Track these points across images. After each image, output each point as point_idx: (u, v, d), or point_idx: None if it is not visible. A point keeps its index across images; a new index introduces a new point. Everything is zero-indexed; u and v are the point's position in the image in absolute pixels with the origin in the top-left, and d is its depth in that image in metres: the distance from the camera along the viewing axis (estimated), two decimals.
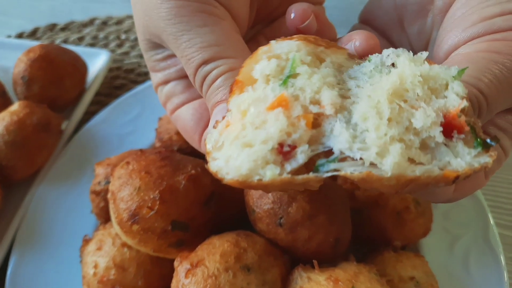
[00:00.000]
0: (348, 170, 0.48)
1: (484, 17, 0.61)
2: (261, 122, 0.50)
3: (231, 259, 0.80)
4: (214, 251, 0.81)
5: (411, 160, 0.48)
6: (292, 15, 0.68)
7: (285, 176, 0.48)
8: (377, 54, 0.56)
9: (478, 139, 0.47)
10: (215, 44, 0.63)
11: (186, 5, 0.64)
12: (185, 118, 0.76)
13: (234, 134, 0.51)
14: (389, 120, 0.48)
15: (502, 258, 1.01)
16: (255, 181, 0.48)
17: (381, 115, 0.48)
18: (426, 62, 0.52)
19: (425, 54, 0.52)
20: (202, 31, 0.64)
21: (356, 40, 0.63)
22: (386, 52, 0.54)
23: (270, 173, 0.48)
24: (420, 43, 0.79)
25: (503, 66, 0.55)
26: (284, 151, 0.49)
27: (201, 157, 1.01)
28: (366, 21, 0.86)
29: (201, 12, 0.64)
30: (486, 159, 0.46)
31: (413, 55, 0.53)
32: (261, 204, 0.86)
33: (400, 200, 0.95)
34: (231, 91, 0.55)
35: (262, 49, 0.55)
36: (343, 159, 0.49)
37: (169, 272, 0.86)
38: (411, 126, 0.48)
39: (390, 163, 0.46)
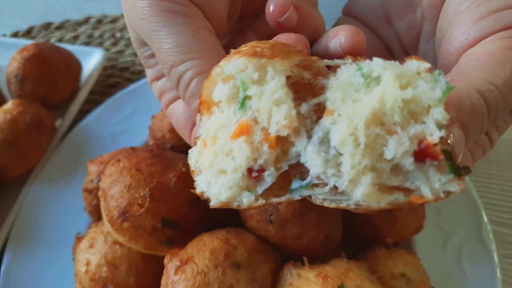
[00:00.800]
0: (319, 198, 0.53)
1: (492, 10, 0.60)
2: (229, 150, 0.53)
3: (221, 256, 0.80)
4: (204, 248, 0.81)
5: (382, 186, 0.49)
6: (271, 8, 0.67)
7: (260, 201, 0.53)
8: (368, 61, 0.53)
9: (451, 167, 0.46)
10: (182, 44, 0.63)
11: (156, 4, 0.64)
12: (177, 113, 0.76)
13: (209, 161, 0.54)
14: (365, 146, 0.48)
15: (495, 255, 1.01)
16: (235, 206, 0.54)
17: (358, 142, 0.49)
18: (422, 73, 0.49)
19: (414, 65, 0.49)
20: (170, 31, 0.64)
21: (341, 36, 0.62)
22: (375, 62, 0.51)
23: (247, 201, 0.53)
24: (410, 37, 0.78)
25: None
26: (253, 176, 0.53)
27: None
28: (350, 15, 0.85)
29: (170, 11, 0.64)
30: (455, 187, 0.46)
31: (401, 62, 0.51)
32: None
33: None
34: (200, 111, 0.57)
35: (216, 72, 0.55)
36: (315, 184, 0.53)
37: (161, 270, 0.86)
38: (384, 154, 0.49)
39: (360, 193, 0.48)
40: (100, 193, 0.92)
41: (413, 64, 0.49)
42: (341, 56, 0.59)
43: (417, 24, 0.76)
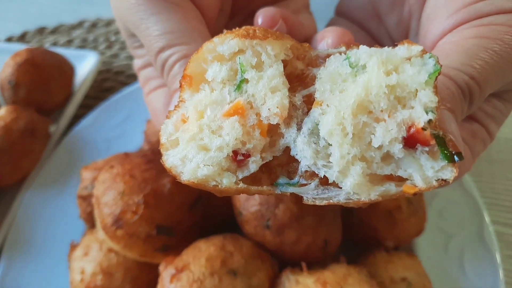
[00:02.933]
0: (309, 196, 0.51)
1: (467, 3, 0.60)
2: (218, 127, 0.51)
3: (217, 263, 0.78)
4: (200, 255, 0.79)
5: (373, 177, 0.48)
6: (259, 21, 0.67)
7: (241, 186, 0.50)
8: (355, 50, 0.52)
9: (445, 152, 0.45)
10: (169, 31, 0.64)
11: None
12: (157, 100, 0.76)
13: (191, 134, 0.51)
14: (353, 135, 0.48)
15: (497, 256, 0.99)
16: (211, 185, 0.50)
17: (345, 132, 0.48)
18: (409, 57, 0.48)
19: (400, 51, 0.48)
20: (158, 19, 0.64)
21: (328, 38, 0.63)
22: (361, 49, 0.51)
23: (227, 181, 0.50)
24: (399, 33, 0.79)
25: (492, 51, 0.55)
26: (238, 159, 0.51)
27: None
28: (342, 14, 0.85)
29: (157, 0, 0.65)
30: (448, 174, 0.45)
31: (391, 47, 0.50)
32: (248, 206, 0.84)
33: (391, 199, 0.92)
34: (181, 85, 0.55)
35: (207, 46, 0.54)
36: (303, 184, 0.51)
37: (156, 277, 0.84)
38: (372, 142, 0.48)
39: (350, 184, 0.47)
40: (93, 200, 0.90)
41: (401, 49, 0.48)
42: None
43: (405, 20, 0.77)
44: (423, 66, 0.46)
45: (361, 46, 0.51)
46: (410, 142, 0.46)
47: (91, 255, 0.91)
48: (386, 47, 0.49)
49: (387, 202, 0.92)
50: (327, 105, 0.50)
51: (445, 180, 0.45)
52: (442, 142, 0.45)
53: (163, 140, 0.53)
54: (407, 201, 0.94)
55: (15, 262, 1.02)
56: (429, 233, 1.01)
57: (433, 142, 0.45)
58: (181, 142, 0.52)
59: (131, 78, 1.50)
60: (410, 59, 0.48)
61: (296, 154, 0.51)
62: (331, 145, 0.49)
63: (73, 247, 0.96)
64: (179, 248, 0.84)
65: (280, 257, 0.85)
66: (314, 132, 0.50)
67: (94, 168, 1.02)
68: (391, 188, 0.47)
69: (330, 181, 0.50)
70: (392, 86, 0.46)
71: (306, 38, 0.72)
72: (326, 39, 0.62)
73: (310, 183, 0.51)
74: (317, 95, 0.52)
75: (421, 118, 0.45)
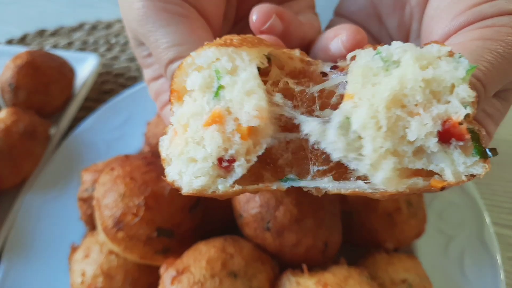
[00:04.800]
0: (328, 185, 0.52)
1: (471, 4, 0.60)
2: (200, 138, 0.52)
3: (218, 265, 0.78)
4: (200, 257, 0.79)
5: (403, 171, 0.48)
6: (254, 18, 0.67)
7: (237, 187, 0.52)
8: (387, 46, 0.52)
9: (478, 148, 0.45)
10: (178, 43, 0.64)
11: (152, 5, 0.65)
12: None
13: (179, 149, 0.53)
14: (386, 129, 0.47)
15: (498, 258, 0.99)
16: (209, 192, 0.52)
17: (379, 126, 0.48)
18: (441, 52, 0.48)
19: (435, 48, 0.49)
20: (167, 31, 0.64)
21: (342, 35, 0.62)
22: (394, 45, 0.50)
23: (223, 187, 0.52)
24: (400, 35, 0.78)
25: (496, 52, 0.55)
26: (223, 166, 0.52)
27: None
28: (342, 15, 0.85)
29: (165, 11, 0.65)
30: (479, 170, 0.45)
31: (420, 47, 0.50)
32: (248, 208, 0.84)
33: (391, 201, 0.93)
34: (170, 100, 0.56)
35: (187, 61, 0.55)
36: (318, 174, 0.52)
37: (157, 280, 0.84)
38: (406, 136, 0.47)
39: (381, 178, 0.47)
40: (94, 202, 0.90)
41: (433, 47, 0.48)
42: (343, 56, 0.58)
43: (406, 22, 0.76)
44: (458, 63, 0.46)
45: (393, 42, 0.50)
46: (445, 136, 0.46)
47: (91, 257, 0.91)
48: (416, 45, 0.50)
49: (387, 204, 0.92)
50: (360, 98, 0.49)
51: (474, 176, 0.45)
52: (476, 137, 0.45)
53: (163, 155, 0.56)
54: (407, 203, 0.94)
55: (15, 264, 1.02)
56: (429, 234, 1.01)
57: (468, 136, 0.45)
58: (173, 157, 0.54)
59: (131, 80, 1.50)
60: (440, 58, 0.48)
61: (326, 147, 0.51)
62: (362, 138, 0.49)
63: (73, 249, 0.96)
64: (179, 250, 0.84)
65: (280, 259, 0.85)
66: (344, 126, 0.50)
67: (94, 170, 1.02)
68: (419, 181, 0.47)
69: (359, 174, 0.50)
70: (428, 80, 0.46)
71: (307, 38, 0.71)
72: (340, 36, 0.62)
73: (323, 179, 0.52)
74: (347, 88, 0.52)
75: (459, 112, 0.45)
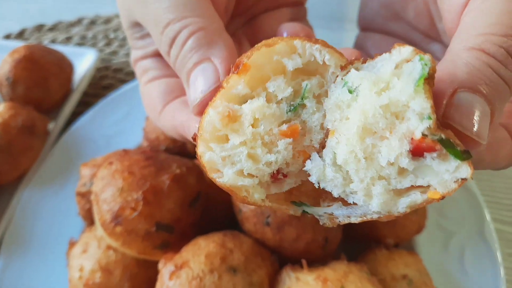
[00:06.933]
0: (339, 213, 0.53)
1: None
2: (271, 142, 0.52)
3: (217, 260, 0.77)
4: (199, 252, 0.79)
5: (396, 190, 0.49)
6: (284, 35, 0.67)
7: (267, 203, 0.52)
8: (349, 74, 0.51)
9: (454, 153, 0.44)
10: (182, 4, 0.59)
11: None
12: (154, 90, 0.73)
13: (243, 138, 0.51)
14: (366, 159, 0.48)
15: (498, 254, 0.99)
16: (240, 195, 0.51)
17: (357, 158, 0.49)
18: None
19: (388, 65, 0.47)
20: None
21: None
22: (352, 74, 0.50)
23: (258, 197, 0.51)
24: (423, 23, 0.76)
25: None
26: (278, 177, 0.52)
27: (188, 156, 0.99)
28: (366, 28, 0.86)
29: None
30: (465, 173, 0.44)
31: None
32: None
33: None
34: (235, 71, 0.52)
35: (283, 45, 0.52)
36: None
37: (156, 275, 0.83)
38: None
39: (376, 204, 0.48)
40: (92, 196, 0.89)
41: (388, 66, 0.47)
42: None
43: (422, 9, 0.75)
44: (410, 75, 0.45)
45: (352, 71, 0.50)
46: (417, 152, 0.46)
47: (89, 252, 0.91)
48: (379, 58, 0.49)
49: None
50: (339, 134, 0.50)
51: (464, 179, 0.45)
52: (448, 143, 0.44)
53: (205, 131, 0.51)
54: None
55: (13, 259, 1.02)
56: (430, 231, 1.01)
57: (438, 146, 0.44)
58: (231, 141, 0.51)
59: (130, 75, 1.49)
60: (401, 67, 0.47)
61: (326, 186, 0.52)
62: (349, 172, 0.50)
63: (72, 244, 0.96)
64: (179, 245, 0.84)
65: (280, 254, 0.84)
66: (335, 162, 0.51)
67: (93, 165, 1.01)
68: (417, 197, 0.47)
69: (359, 206, 0.51)
70: (385, 105, 0.47)
71: None
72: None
73: (332, 205, 0.53)
74: (329, 125, 0.52)
75: (417, 128, 0.45)
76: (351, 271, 0.79)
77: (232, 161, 0.50)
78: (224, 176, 0.50)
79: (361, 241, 0.96)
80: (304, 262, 0.80)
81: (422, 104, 0.44)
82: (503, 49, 0.48)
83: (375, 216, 0.50)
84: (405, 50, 0.47)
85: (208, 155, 0.50)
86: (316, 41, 0.52)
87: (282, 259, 0.84)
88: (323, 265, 0.82)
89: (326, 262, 0.83)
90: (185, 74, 0.60)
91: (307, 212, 0.55)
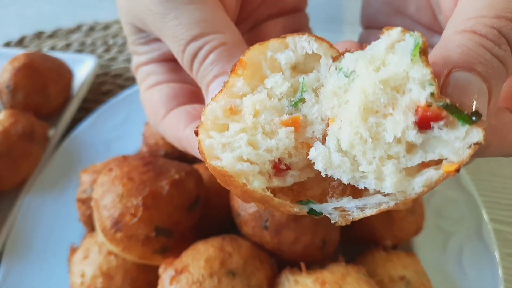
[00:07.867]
0: (351, 207, 0.51)
1: None
2: (271, 131, 0.52)
3: (216, 264, 0.78)
4: (199, 257, 0.80)
5: (408, 169, 0.47)
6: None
7: (268, 194, 0.50)
8: (344, 59, 0.52)
9: (461, 117, 0.43)
10: (203, 20, 0.61)
11: None
12: (156, 95, 0.74)
13: (243, 126, 0.51)
14: (372, 139, 0.47)
15: (496, 254, 0.99)
16: (239, 182, 0.49)
17: (364, 139, 0.47)
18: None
19: (381, 43, 0.48)
20: (189, 9, 0.62)
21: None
22: (347, 57, 0.51)
23: (258, 184, 0.49)
24: (425, 17, 0.77)
25: None
26: (280, 167, 0.51)
27: (187, 161, 1.00)
28: (369, 26, 0.86)
29: None
30: (477, 136, 0.43)
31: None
32: (246, 207, 0.85)
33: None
34: (233, 70, 0.54)
35: (276, 42, 0.54)
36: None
37: (156, 279, 0.84)
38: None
39: (390, 184, 0.46)
40: (92, 203, 0.90)
41: (381, 44, 0.48)
42: None
43: (423, 2, 0.76)
44: (404, 48, 0.46)
45: (345, 54, 0.51)
46: (424, 123, 0.44)
47: (90, 258, 0.92)
48: (370, 45, 0.49)
49: None
50: (340, 119, 0.50)
51: (478, 143, 0.43)
52: (454, 109, 0.43)
53: (207, 118, 0.52)
54: None
55: (15, 266, 1.02)
56: (428, 231, 1.01)
57: (444, 113, 0.43)
58: (231, 128, 0.51)
59: (129, 81, 1.50)
60: (394, 47, 0.47)
61: (334, 174, 0.50)
62: (356, 156, 0.49)
63: (73, 250, 0.97)
64: (178, 249, 0.85)
65: (278, 257, 0.85)
66: (340, 148, 0.50)
67: (93, 171, 1.02)
68: (432, 173, 0.46)
69: (371, 191, 0.49)
70: (385, 80, 0.46)
71: None
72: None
73: (342, 199, 0.51)
74: (328, 113, 0.52)
75: (421, 95, 0.44)
76: (349, 273, 0.80)
77: (232, 148, 0.50)
78: (223, 160, 0.49)
79: (359, 243, 0.96)
80: (302, 265, 0.80)
81: (422, 70, 0.44)
82: (494, 29, 0.48)
83: (391, 204, 0.48)
84: (394, 32, 0.47)
85: (208, 142, 0.51)
86: (303, 34, 0.53)
87: (281, 261, 0.85)
88: (321, 267, 0.82)
89: (325, 264, 0.84)
90: (205, 85, 0.62)
91: (315, 211, 0.53)
